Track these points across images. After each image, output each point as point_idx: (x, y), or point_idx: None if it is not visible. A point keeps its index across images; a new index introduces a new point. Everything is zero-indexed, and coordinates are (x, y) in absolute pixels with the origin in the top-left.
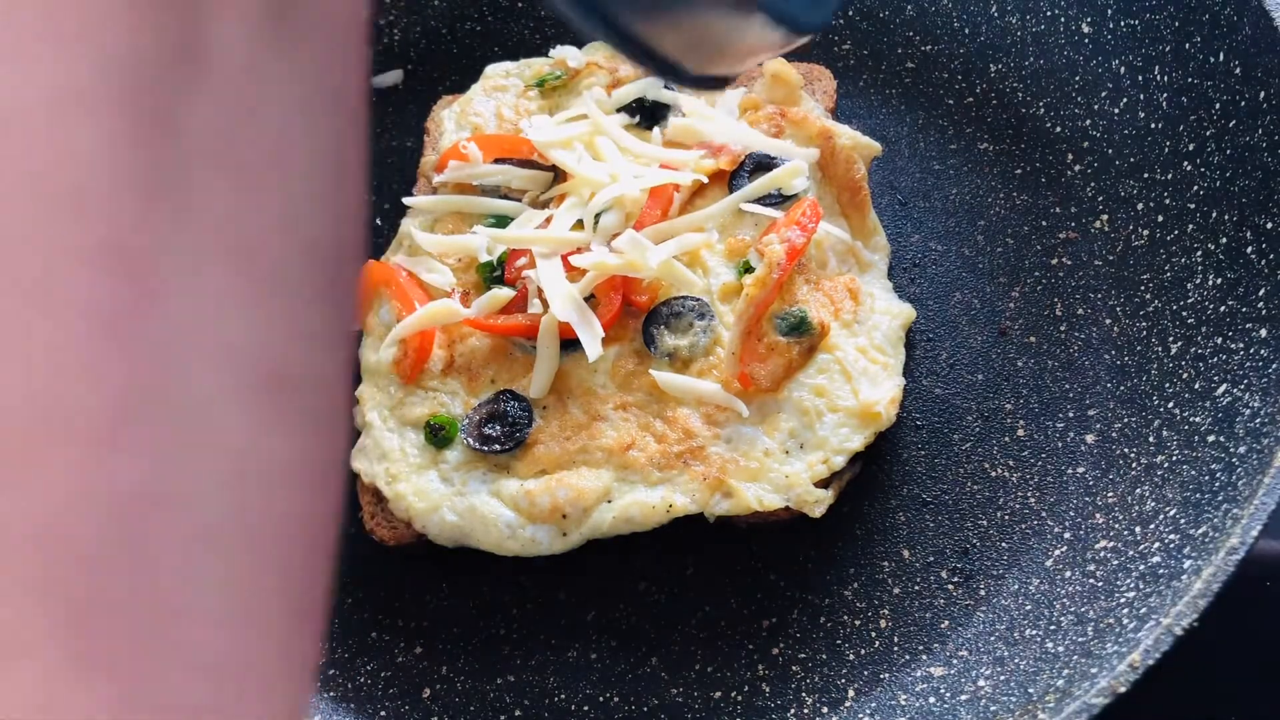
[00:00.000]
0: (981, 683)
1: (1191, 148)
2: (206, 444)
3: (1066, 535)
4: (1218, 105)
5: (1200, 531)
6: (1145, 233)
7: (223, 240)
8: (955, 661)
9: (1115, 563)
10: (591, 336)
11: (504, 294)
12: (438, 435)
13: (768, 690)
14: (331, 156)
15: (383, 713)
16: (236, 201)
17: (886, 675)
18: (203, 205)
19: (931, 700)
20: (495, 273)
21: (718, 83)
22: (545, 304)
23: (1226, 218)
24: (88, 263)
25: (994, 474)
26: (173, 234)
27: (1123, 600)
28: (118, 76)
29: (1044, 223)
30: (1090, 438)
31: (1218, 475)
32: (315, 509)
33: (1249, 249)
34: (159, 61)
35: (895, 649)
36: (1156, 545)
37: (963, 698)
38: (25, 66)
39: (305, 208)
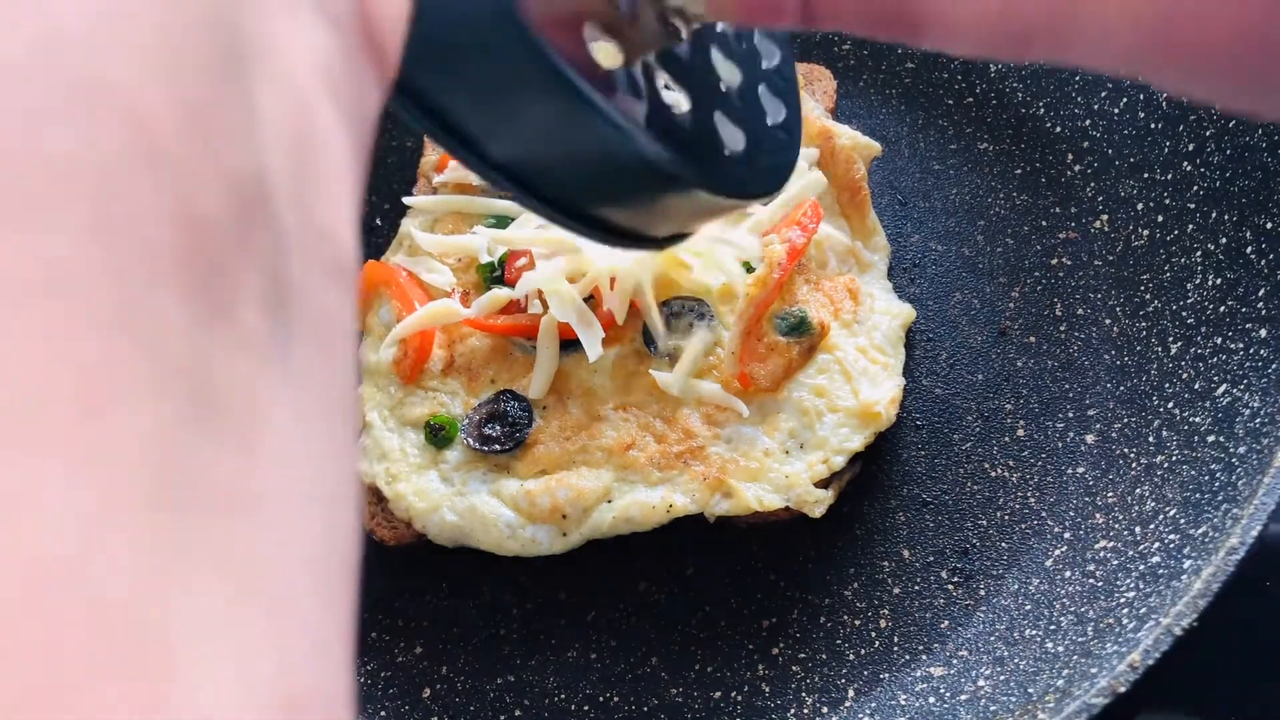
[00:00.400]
0: (981, 683)
1: (1191, 148)
2: None
3: (1066, 535)
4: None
5: (1200, 531)
6: (1145, 233)
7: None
8: (955, 661)
9: (1115, 563)
10: (592, 337)
11: (504, 294)
12: (438, 435)
13: (768, 690)
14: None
15: (383, 713)
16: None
17: (886, 675)
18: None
19: (931, 700)
20: (495, 273)
21: (677, 240)
22: (545, 304)
23: (1226, 218)
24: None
25: (994, 474)
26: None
27: (1123, 600)
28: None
29: (1044, 223)
30: (1090, 438)
31: (1218, 475)
32: None
33: (1249, 249)
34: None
35: (895, 649)
36: (1156, 545)
37: (963, 698)
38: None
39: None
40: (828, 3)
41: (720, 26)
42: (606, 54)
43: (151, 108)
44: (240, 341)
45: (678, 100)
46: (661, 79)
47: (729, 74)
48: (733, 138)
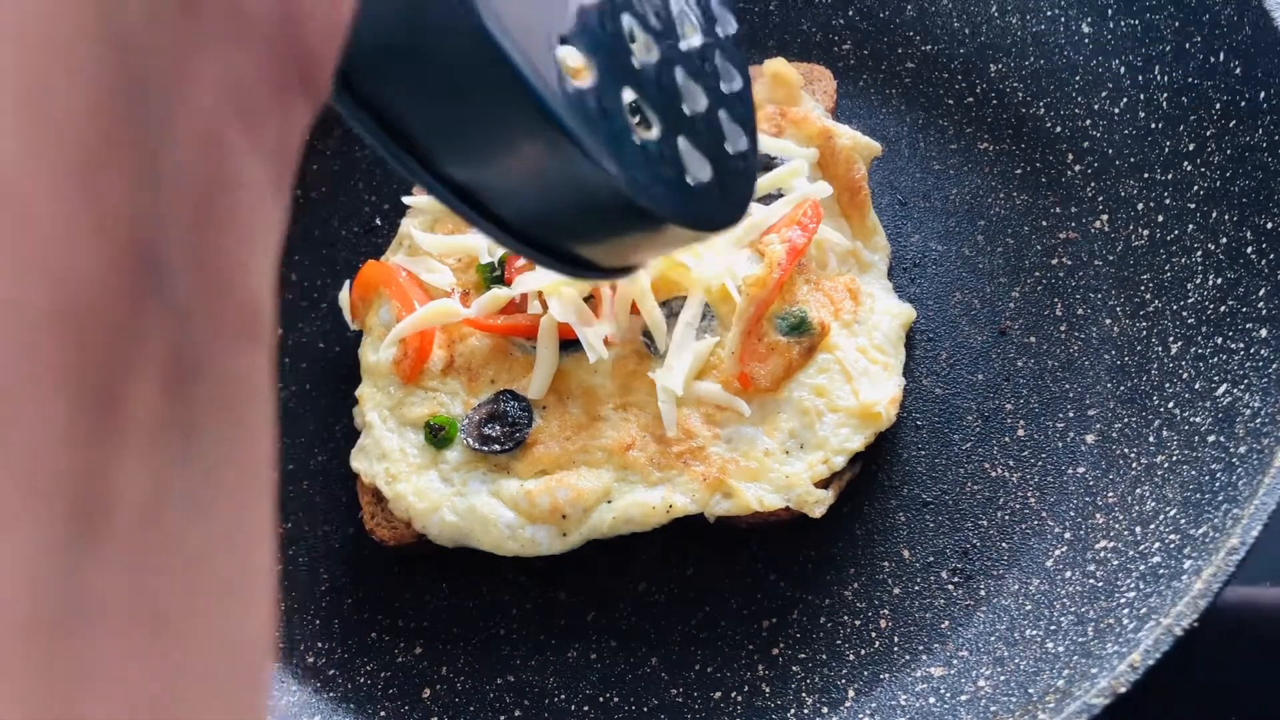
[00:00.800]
0: (981, 683)
1: (1191, 148)
2: None
3: (1067, 535)
4: (1218, 105)
5: (1200, 531)
6: (1145, 233)
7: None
8: (955, 662)
9: (1115, 563)
10: (593, 337)
11: (504, 294)
12: (437, 435)
13: (768, 690)
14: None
15: (383, 713)
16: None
17: (886, 675)
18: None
19: (931, 700)
20: (495, 273)
21: (629, 271)
22: (545, 304)
23: (1226, 218)
24: None
25: (994, 474)
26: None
27: (1123, 600)
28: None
29: (1044, 223)
30: (1090, 438)
31: (1218, 475)
32: None
33: (1249, 249)
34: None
35: (895, 649)
36: (1157, 545)
37: (963, 698)
38: None
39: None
40: None
41: (685, 46)
42: (577, 72)
43: (20, 181)
44: (130, 436)
45: (646, 125)
46: (627, 99)
47: (693, 97)
48: (698, 166)
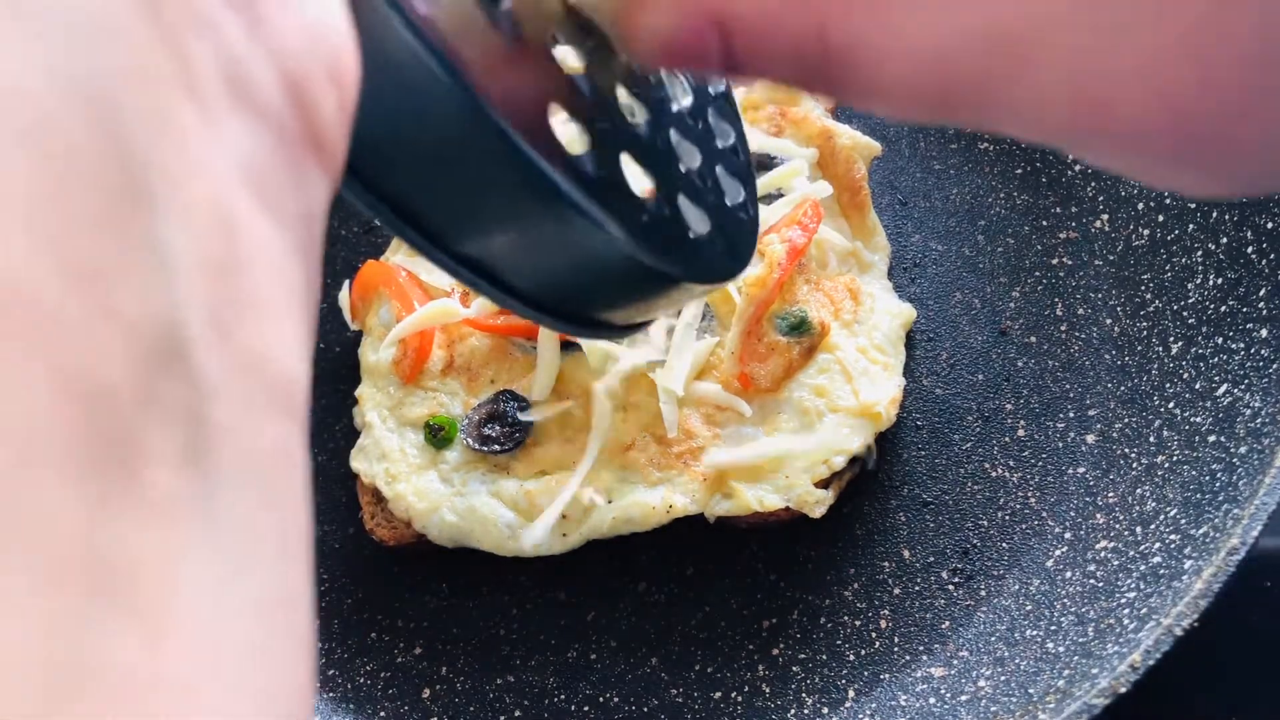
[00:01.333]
0: (982, 683)
1: None
2: None
3: (1067, 535)
4: None
5: (1201, 531)
6: (1146, 232)
7: None
8: (955, 662)
9: (1116, 563)
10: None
11: None
12: (437, 435)
13: (768, 690)
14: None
15: (383, 713)
16: None
17: (887, 676)
18: None
19: (932, 701)
20: None
21: (643, 327)
22: None
23: (1226, 218)
24: None
25: (994, 474)
26: None
27: (1123, 600)
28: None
29: (1044, 223)
30: (1091, 438)
31: (1218, 475)
32: None
33: (1249, 249)
34: None
35: (895, 649)
36: (1157, 545)
37: (963, 698)
38: None
39: None
40: (752, 54)
41: (676, 107)
42: (571, 139)
43: (31, 277)
44: (148, 510)
45: (643, 185)
46: (624, 162)
47: (688, 155)
48: (698, 220)
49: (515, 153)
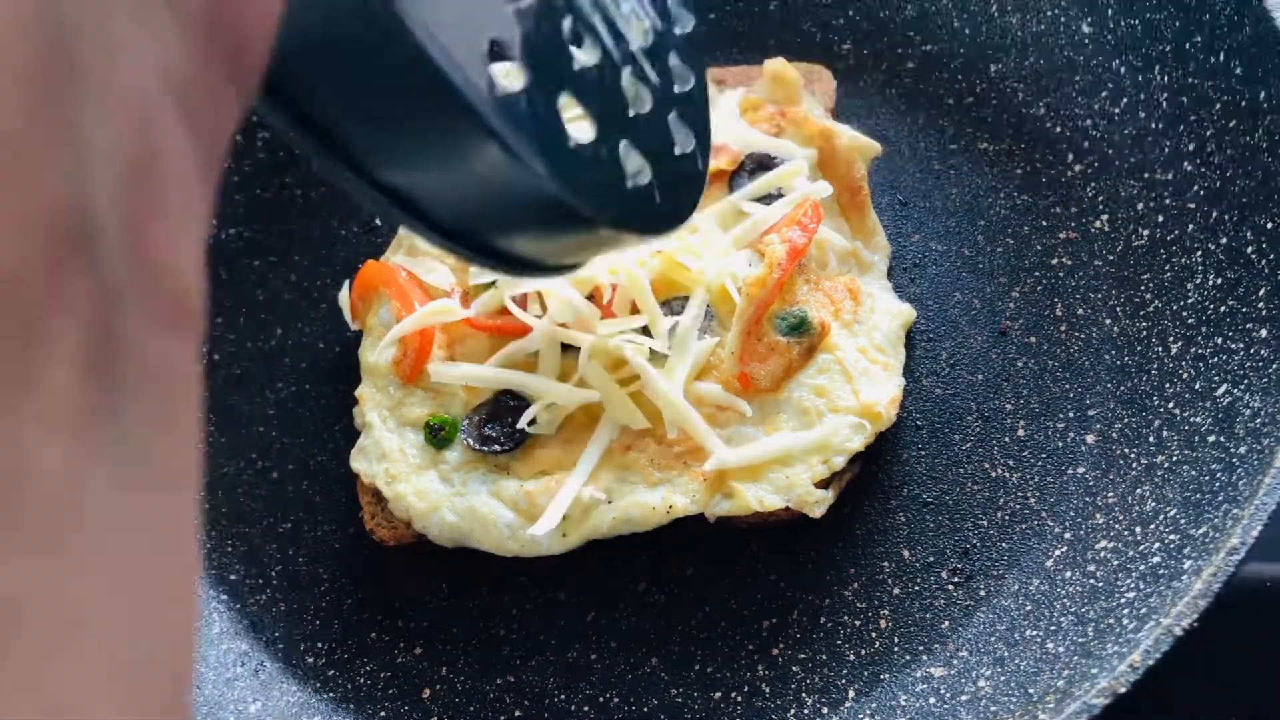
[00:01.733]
0: (982, 683)
1: (1191, 148)
2: None
3: (1067, 535)
4: (1218, 105)
5: (1200, 532)
6: (1145, 233)
7: None
8: (955, 662)
9: (1115, 563)
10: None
11: (503, 294)
12: (437, 435)
13: (768, 690)
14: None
15: (383, 713)
16: None
17: (886, 676)
18: None
19: (931, 701)
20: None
21: (573, 269)
22: (544, 305)
23: (1226, 218)
24: None
25: (994, 474)
26: None
27: (1123, 600)
28: None
29: (1044, 223)
30: (1090, 438)
31: (1218, 475)
32: None
33: (1249, 249)
34: None
35: (895, 649)
36: (1157, 545)
37: (963, 698)
38: None
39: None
40: None
41: (635, 45)
42: (508, 75)
43: None
44: (49, 419)
45: (582, 127)
46: (564, 102)
47: (639, 99)
48: (638, 169)
49: (441, 79)
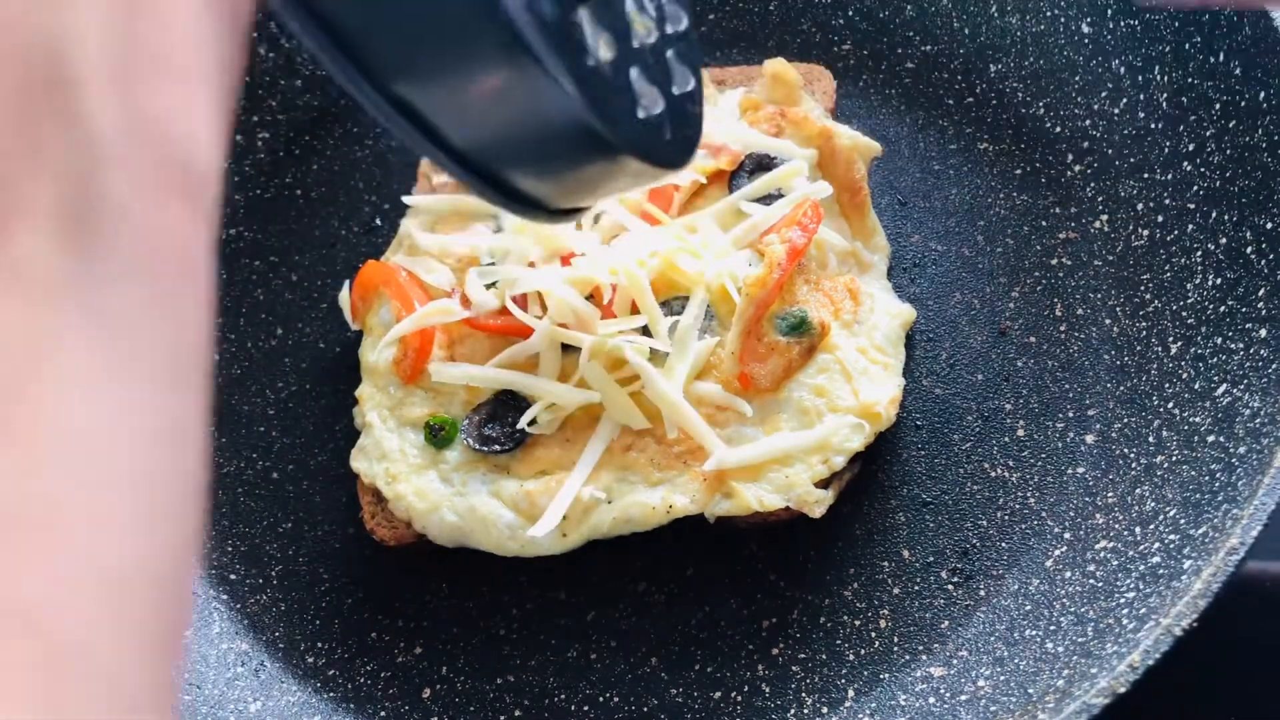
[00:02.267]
0: (981, 683)
1: (1191, 148)
2: None
3: (1066, 535)
4: (1218, 105)
5: (1200, 532)
6: (1145, 233)
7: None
8: (955, 662)
9: (1115, 563)
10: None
11: (503, 294)
12: (437, 435)
13: (768, 690)
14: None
15: (383, 713)
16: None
17: (886, 675)
18: None
19: (931, 700)
20: (491, 283)
21: (573, 214)
22: (544, 305)
23: (1226, 218)
24: None
25: (994, 474)
26: None
27: (1123, 600)
28: None
29: (1044, 223)
30: (1090, 438)
31: (1218, 475)
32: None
33: (1249, 249)
34: None
35: (895, 649)
36: (1156, 545)
37: (963, 698)
38: None
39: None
40: None
41: None
42: None
43: None
44: (14, 279)
45: (601, 45)
46: (582, 17)
47: (644, 30)
48: (651, 98)
49: None
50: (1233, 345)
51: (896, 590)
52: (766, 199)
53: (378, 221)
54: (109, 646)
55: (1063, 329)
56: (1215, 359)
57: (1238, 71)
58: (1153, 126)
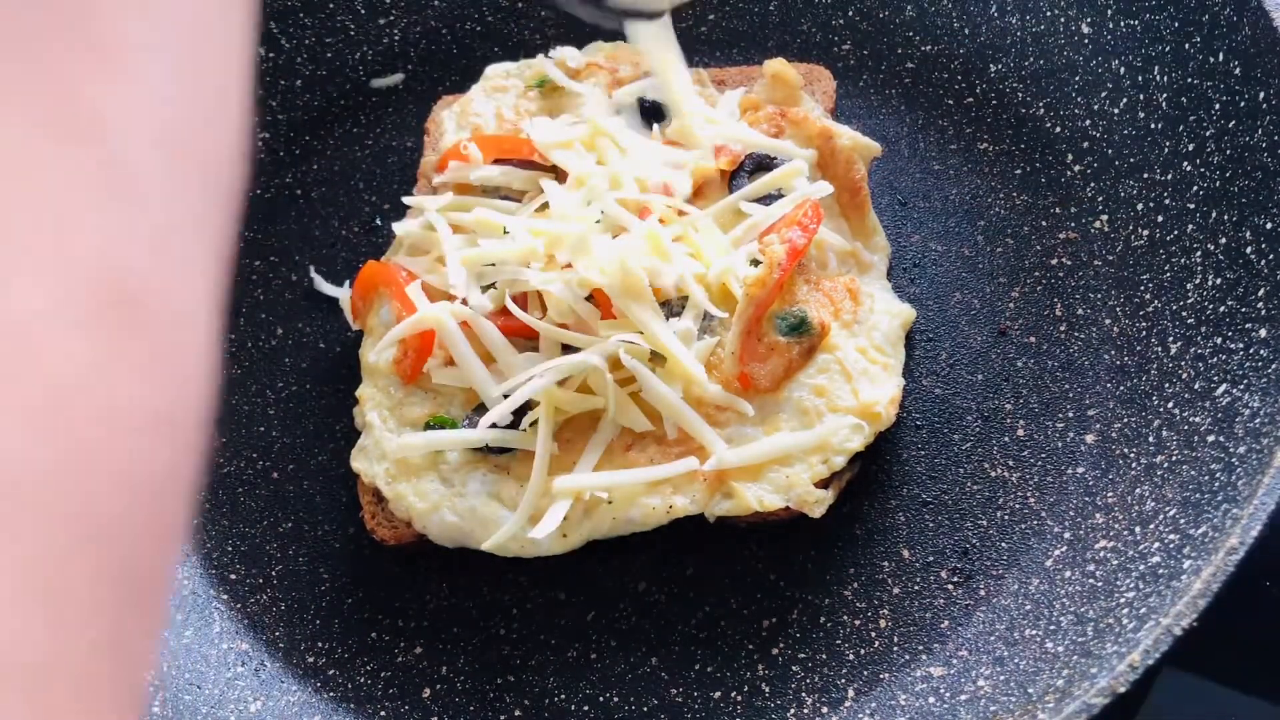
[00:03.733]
0: (981, 683)
1: (1191, 148)
2: (22, 374)
3: (1066, 535)
4: (1218, 105)
5: (1200, 531)
6: (1145, 233)
7: (65, 118)
8: (955, 661)
9: (1115, 563)
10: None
11: (503, 294)
12: None
13: (768, 690)
14: (214, 47)
15: (383, 713)
16: (91, 74)
17: (886, 675)
18: (46, 70)
19: (931, 700)
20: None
21: (626, 14)
22: (544, 305)
23: (1226, 218)
24: None
25: (994, 474)
26: None
27: (1122, 600)
28: None
29: (1044, 223)
30: (1090, 438)
31: (1217, 475)
32: (159, 462)
33: (1249, 249)
34: None
35: (895, 649)
36: (1156, 545)
37: (962, 698)
38: None
39: (178, 104)
40: None
41: None
42: None
43: None
44: None
45: None
46: None
47: None
48: None
49: None
50: (1233, 345)
51: (896, 590)
52: (766, 199)
53: (378, 221)
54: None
55: (1063, 329)
56: (1215, 359)
57: (1238, 71)
58: (1153, 126)
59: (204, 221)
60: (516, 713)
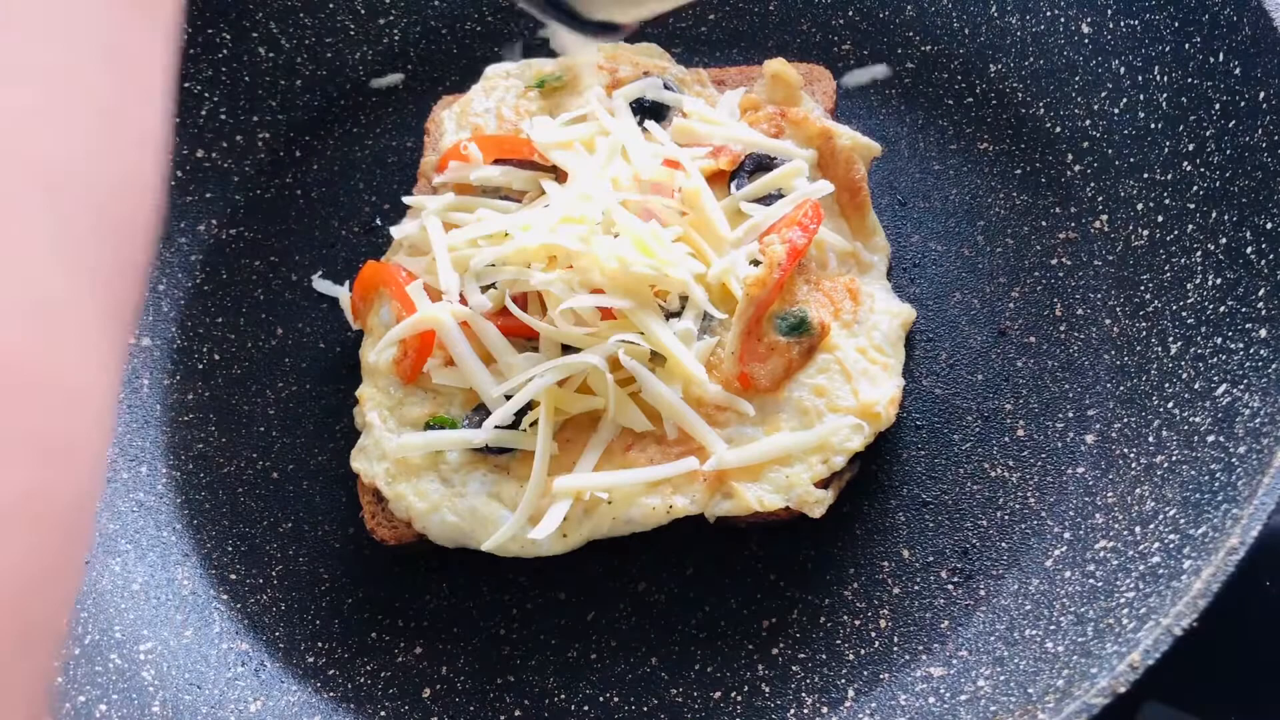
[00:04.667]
0: (981, 683)
1: (1191, 148)
2: None
3: (1066, 535)
4: (1218, 105)
5: (1200, 531)
6: (1145, 233)
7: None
8: (955, 661)
9: (1115, 563)
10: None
11: (503, 294)
12: None
13: (768, 690)
14: (127, 85)
15: (383, 713)
16: None
17: (886, 675)
18: None
19: (931, 700)
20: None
21: (606, 29)
22: (544, 305)
23: (1226, 218)
24: None
25: (994, 474)
26: None
27: (1122, 600)
28: None
29: (1044, 223)
30: (1090, 438)
31: (1217, 475)
32: (21, 553)
33: (1249, 249)
34: None
35: (895, 649)
36: (1156, 545)
37: (962, 698)
38: None
39: (77, 152)
40: None
41: None
42: None
43: None
44: None
45: None
46: None
47: None
48: None
49: None
50: (1233, 345)
51: (896, 590)
52: (766, 199)
53: (378, 221)
54: None
55: (1063, 329)
56: (1215, 359)
57: (1238, 71)
58: (1153, 126)
59: (105, 289)
60: (516, 713)
